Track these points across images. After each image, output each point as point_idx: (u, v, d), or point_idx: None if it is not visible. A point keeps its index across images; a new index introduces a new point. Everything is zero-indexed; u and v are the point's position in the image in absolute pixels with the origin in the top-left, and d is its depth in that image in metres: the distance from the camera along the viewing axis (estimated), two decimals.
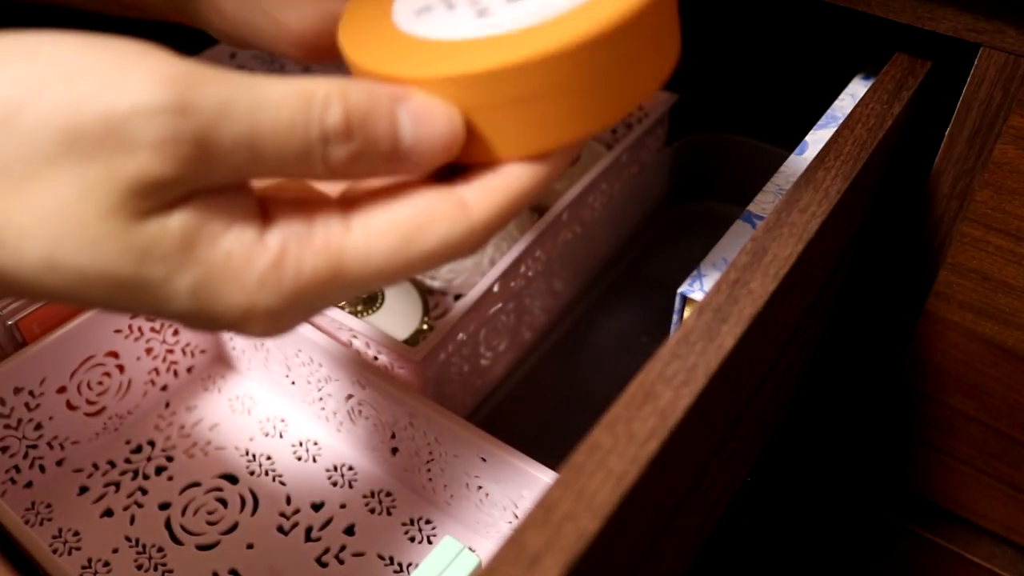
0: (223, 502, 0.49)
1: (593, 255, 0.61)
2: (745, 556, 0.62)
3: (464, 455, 0.44)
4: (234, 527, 0.48)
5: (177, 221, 0.22)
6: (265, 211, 0.24)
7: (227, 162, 0.22)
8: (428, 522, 0.48)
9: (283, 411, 0.54)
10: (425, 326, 0.56)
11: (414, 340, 0.55)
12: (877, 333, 0.53)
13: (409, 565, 0.46)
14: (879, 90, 0.42)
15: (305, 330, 0.47)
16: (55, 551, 0.47)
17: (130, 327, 0.50)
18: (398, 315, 0.56)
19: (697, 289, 0.37)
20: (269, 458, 0.51)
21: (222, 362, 0.57)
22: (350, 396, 0.48)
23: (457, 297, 0.59)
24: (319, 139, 0.23)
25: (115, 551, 0.47)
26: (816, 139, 0.43)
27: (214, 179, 0.22)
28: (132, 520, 0.48)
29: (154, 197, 0.22)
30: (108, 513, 0.49)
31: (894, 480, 0.58)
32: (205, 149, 0.22)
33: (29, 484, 0.49)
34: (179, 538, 0.48)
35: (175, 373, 0.54)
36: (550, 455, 0.42)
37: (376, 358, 0.48)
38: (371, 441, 0.50)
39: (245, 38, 0.33)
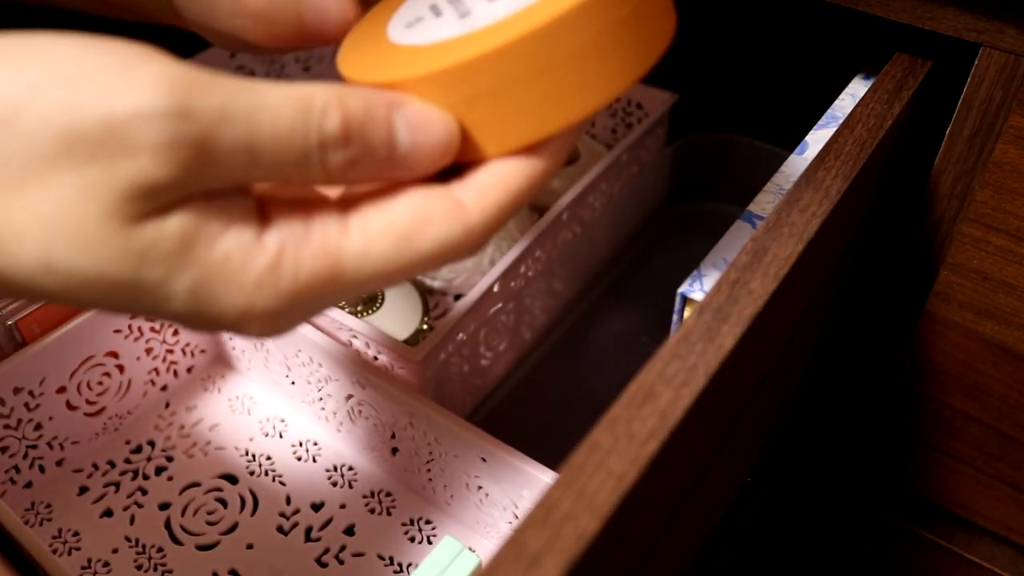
0: (223, 502, 0.49)
1: (593, 255, 0.61)
2: (745, 556, 0.62)
3: (464, 455, 0.44)
4: (234, 527, 0.48)
5: (175, 223, 0.22)
6: (263, 212, 0.24)
7: (226, 166, 0.22)
8: (428, 522, 0.48)
9: (283, 411, 0.54)
10: (425, 326, 0.56)
11: (414, 340, 0.55)
12: (877, 333, 0.53)
13: (409, 565, 0.46)
14: (879, 90, 0.41)
15: (305, 330, 0.47)
16: (55, 551, 0.47)
17: (130, 327, 0.50)
18: (398, 315, 0.56)
19: (697, 289, 0.37)
20: (269, 458, 0.51)
21: (222, 362, 0.57)
22: (350, 396, 0.48)
23: (457, 297, 0.59)
24: (317, 145, 0.23)
25: (115, 551, 0.47)
26: (816, 139, 0.43)
27: (213, 183, 0.23)
28: (132, 520, 0.48)
29: (153, 200, 0.22)
30: (108, 513, 0.49)
31: (894, 480, 0.58)
32: (205, 153, 0.22)
33: (29, 484, 0.49)
34: (179, 538, 0.48)
35: (175, 373, 0.54)
36: (550, 455, 0.42)
37: (376, 358, 0.48)
38: (371, 441, 0.50)
39: (207, 23, 0.33)
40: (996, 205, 0.43)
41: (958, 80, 0.42)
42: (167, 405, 0.54)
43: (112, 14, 0.36)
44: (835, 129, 0.40)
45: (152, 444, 0.52)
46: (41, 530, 0.48)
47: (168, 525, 0.48)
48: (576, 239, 0.57)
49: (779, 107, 0.63)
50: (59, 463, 0.50)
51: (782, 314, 0.36)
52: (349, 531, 0.48)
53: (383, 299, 0.57)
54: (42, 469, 0.49)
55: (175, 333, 0.53)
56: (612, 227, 0.61)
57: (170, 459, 0.51)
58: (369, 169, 0.25)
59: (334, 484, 0.50)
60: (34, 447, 0.48)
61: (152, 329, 0.51)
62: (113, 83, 0.21)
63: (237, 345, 0.54)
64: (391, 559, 0.47)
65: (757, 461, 0.58)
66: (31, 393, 0.47)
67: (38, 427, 0.48)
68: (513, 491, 0.43)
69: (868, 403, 0.56)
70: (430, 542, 0.48)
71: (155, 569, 0.46)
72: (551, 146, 0.26)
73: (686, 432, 0.28)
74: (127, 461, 0.51)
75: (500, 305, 0.51)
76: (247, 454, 0.52)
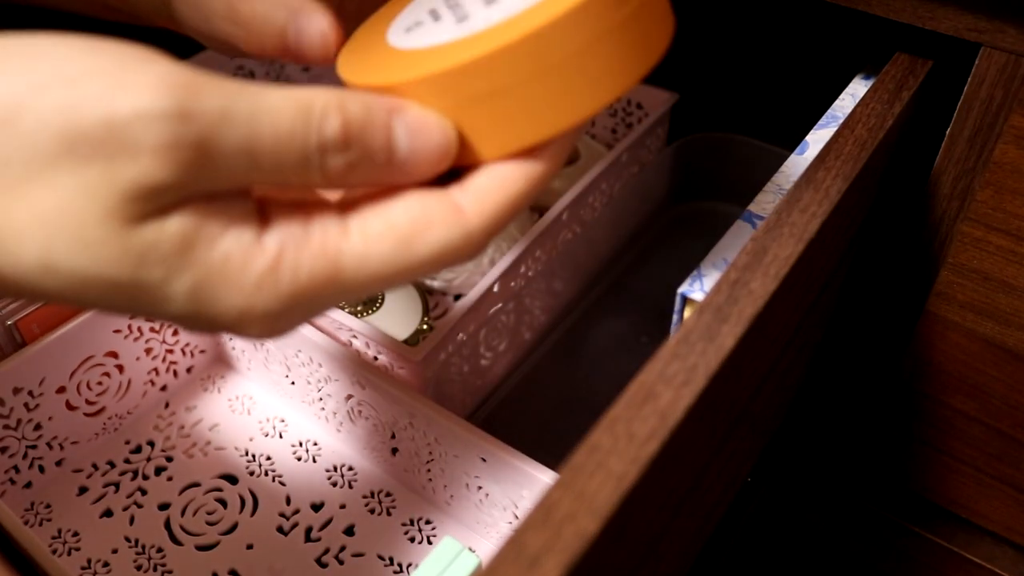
0: (223, 502, 0.49)
1: (593, 255, 0.61)
2: (745, 556, 0.62)
3: (464, 455, 0.44)
4: (234, 527, 0.48)
5: (175, 224, 0.22)
6: (263, 214, 0.24)
7: (226, 168, 0.22)
8: (428, 522, 0.48)
9: (283, 411, 0.54)
10: (425, 326, 0.56)
11: (414, 340, 0.55)
12: (877, 333, 0.53)
13: (409, 565, 0.46)
14: (880, 90, 0.41)
15: (305, 330, 0.47)
16: (54, 552, 0.47)
17: (129, 327, 0.50)
18: (398, 315, 0.56)
19: (697, 289, 0.37)
20: (269, 458, 0.51)
21: (222, 362, 0.57)
22: (350, 396, 0.48)
23: (457, 297, 0.59)
24: (317, 148, 0.23)
25: (115, 551, 0.47)
26: (816, 139, 0.43)
27: (213, 185, 0.23)
28: (132, 520, 0.48)
29: (153, 201, 0.22)
30: (108, 513, 0.49)
31: (894, 480, 0.58)
32: (205, 155, 0.22)
33: (28, 484, 0.49)
34: (179, 538, 0.47)
35: (175, 373, 0.54)
36: (550, 455, 0.41)
37: (376, 358, 0.48)
38: (371, 441, 0.50)
39: (203, 27, 0.33)
40: (996, 205, 0.43)
41: (958, 80, 0.42)
42: (167, 405, 0.54)
43: (109, 16, 0.36)
44: (835, 129, 0.40)
45: (152, 444, 0.52)
46: (41, 530, 0.48)
47: (168, 525, 0.48)
48: (576, 239, 0.57)
49: (779, 107, 0.63)
50: (59, 463, 0.50)
51: (782, 314, 0.36)
52: (349, 531, 0.48)
53: (383, 299, 0.57)
54: (42, 469, 0.49)
55: (175, 333, 0.53)
56: (612, 227, 0.61)
57: (170, 459, 0.51)
58: (368, 173, 0.25)
59: (334, 484, 0.50)
60: (34, 447, 0.48)
61: (152, 329, 0.51)
62: (114, 84, 0.21)
63: (237, 345, 0.54)
64: (391, 559, 0.47)
65: (757, 461, 0.58)
66: (31, 393, 0.47)
67: (38, 427, 0.48)
68: (513, 491, 0.43)
69: (868, 403, 0.56)
70: (430, 542, 0.48)
71: (155, 569, 0.46)
72: (549, 149, 0.26)
73: (686, 432, 0.28)
74: (127, 461, 0.51)
75: (500, 305, 0.51)
76: (247, 454, 0.52)
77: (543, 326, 0.58)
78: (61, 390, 0.48)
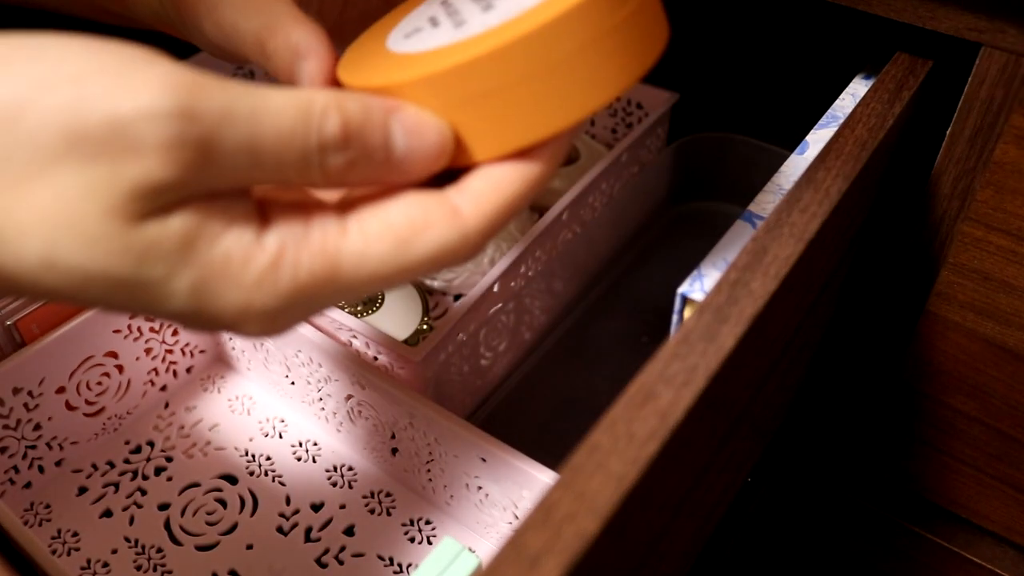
0: (222, 502, 0.49)
1: (593, 255, 0.61)
2: (746, 556, 0.62)
3: (464, 455, 0.44)
4: (234, 527, 0.48)
5: (177, 222, 0.22)
6: (263, 214, 0.25)
7: (228, 167, 0.23)
8: (428, 522, 0.48)
9: (283, 411, 0.54)
10: (425, 326, 0.56)
11: (414, 340, 0.55)
12: (878, 333, 0.53)
13: (409, 566, 0.46)
14: (880, 90, 0.41)
15: (305, 330, 0.47)
16: (54, 552, 0.47)
17: (129, 327, 0.50)
18: (398, 315, 0.56)
19: (697, 289, 0.37)
20: (269, 458, 0.51)
21: (222, 362, 0.57)
22: (350, 396, 0.48)
23: (457, 297, 0.59)
24: (317, 147, 0.24)
25: (114, 552, 0.47)
26: (817, 139, 0.43)
27: (215, 183, 0.23)
28: (131, 521, 0.48)
29: (156, 199, 0.22)
30: (107, 514, 0.49)
31: (894, 480, 0.58)
32: (208, 153, 0.22)
33: (28, 485, 0.49)
34: (178, 539, 0.47)
35: (174, 373, 0.54)
36: (550, 455, 0.41)
37: (376, 358, 0.48)
38: (371, 441, 0.50)
39: (195, 34, 0.33)
40: (997, 205, 0.43)
41: (959, 80, 0.42)
42: (167, 405, 0.54)
43: (106, 20, 0.36)
44: (836, 129, 0.40)
45: (152, 444, 0.52)
46: (40, 530, 0.48)
47: (168, 525, 0.48)
48: (576, 239, 0.57)
49: (779, 107, 0.63)
50: (58, 463, 0.50)
51: (782, 314, 0.35)
52: (349, 531, 0.48)
53: (383, 299, 0.57)
54: (41, 469, 0.49)
55: (175, 333, 0.53)
56: (612, 227, 0.61)
57: (170, 459, 0.51)
58: (367, 171, 0.25)
59: (334, 484, 0.50)
60: (33, 447, 0.48)
61: (152, 329, 0.51)
62: (117, 83, 0.21)
63: (237, 345, 0.54)
64: (391, 559, 0.47)
65: (758, 461, 0.58)
66: (30, 393, 0.47)
67: (37, 427, 0.48)
68: (513, 491, 0.43)
69: (868, 403, 0.56)
70: (430, 542, 0.47)
71: (155, 569, 0.46)
72: (545, 151, 0.27)
73: (686, 433, 0.28)
74: (126, 461, 0.51)
75: (500, 305, 0.51)
76: (247, 454, 0.52)
77: (543, 326, 0.58)
78: (61, 390, 0.48)
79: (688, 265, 0.39)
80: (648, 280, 0.63)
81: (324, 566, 0.46)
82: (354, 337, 0.48)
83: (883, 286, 0.51)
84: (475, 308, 0.48)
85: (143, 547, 0.47)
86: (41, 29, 0.23)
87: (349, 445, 0.52)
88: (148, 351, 0.52)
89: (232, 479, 0.50)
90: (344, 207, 0.26)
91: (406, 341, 0.54)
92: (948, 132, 0.43)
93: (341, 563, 0.46)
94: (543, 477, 0.41)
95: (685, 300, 0.37)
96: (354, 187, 0.26)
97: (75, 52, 0.22)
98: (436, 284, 0.59)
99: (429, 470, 0.47)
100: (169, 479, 0.50)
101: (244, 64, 0.33)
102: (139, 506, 0.49)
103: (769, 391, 0.42)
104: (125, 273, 0.22)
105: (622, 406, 0.27)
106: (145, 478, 0.50)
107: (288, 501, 0.49)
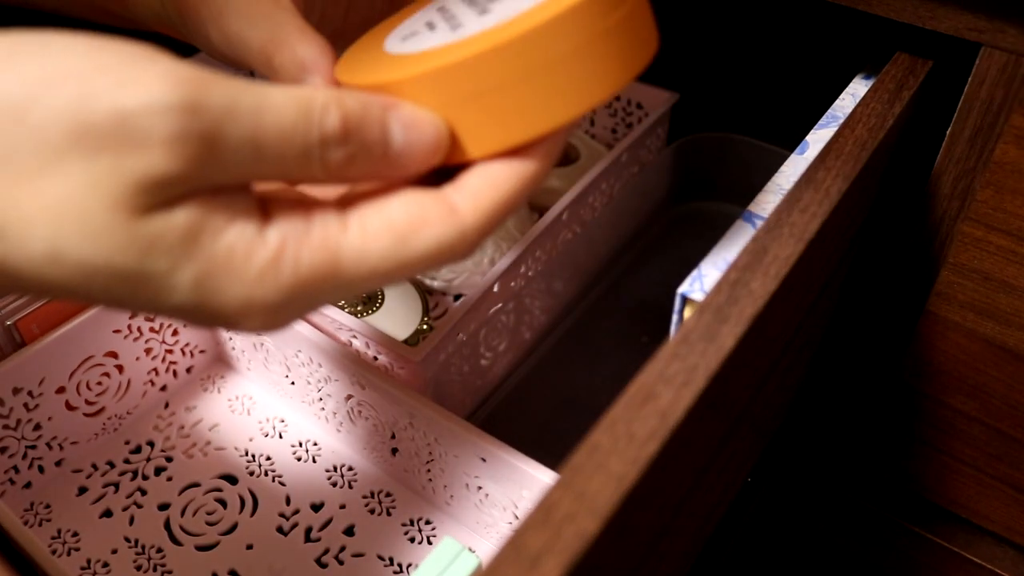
0: (222, 502, 0.49)
1: (593, 255, 0.61)
2: (746, 556, 0.62)
3: (464, 455, 0.44)
4: (233, 527, 0.48)
5: (181, 216, 0.23)
6: (264, 210, 0.25)
7: (232, 161, 0.23)
8: (428, 522, 0.48)
9: (283, 411, 0.54)
10: (425, 326, 0.56)
11: (414, 340, 0.55)
12: (878, 333, 0.53)
13: (409, 566, 0.46)
14: (880, 90, 0.41)
15: (305, 330, 0.47)
16: (54, 552, 0.47)
17: (129, 327, 0.50)
18: (398, 315, 0.56)
19: (697, 289, 0.37)
20: (269, 458, 0.51)
21: (222, 362, 0.57)
22: (350, 396, 0.48)
23: (457, 297, 0.59)
24: (318, 142, 0.24)
25: (114, 552, 0.47)
26: (817, 139, 0.43)
27: (218, 178, 0.23)
28: (131, 521, 0.48)
29: (160, 193, 0.22)
30: (107, 514, 0.49)
31: (894, 480, 0.58)
32: (212, 148, 0.22)
33: (28, 485, 0.49)
34: (178, 539, 0.47)
35: (174, 373, 0.54)
36: (550, 455, 0.41)
37: (376, 358, 0.48)
38: (371, 441, 0.50)
39: (198, 39, 0.33)
40: (997, 205, 0.43)
41: (959, 80, 0.42)
42: (167, 405, 0.54)
43: (108, 21, 0.37)
44: (836, 129, 0.40)
45: (152, 444, 0.52)
46: (40, 530, 0.48)
47: (168, 525, 0.48)
48: (576, 239, 0.57)
49: (779, 107, 0.63)
50: (58, 463, 0.50)
51: (782, 314, 0.35)
52: (349, 531, 0.48)
53: (383, 299, 0.57)
54: (41, 469, 0.49)
55: (175, 333, 0.53)
56: (612, 227, 0.61)
57: (170, 459, 0.51)
58: (366, 166, 0.26)
59: (334, 484, 0.50)
60: (33, 447, 0.48)
61: (152, 329, 0.51)
62: (123, 78, 0.22)
63: (237, 345, 0.54)
64: (391, 559, 0.47)
65: (758, 461, 0.58)
66: (30, 393, 0.46)
67: (37, 427, 0.48)
68: (513, 491, 0.43)
69: (868, 403, 0.56)
70: (430, 542, 0.47)
71: (155, 569, 0.46)
72: (540, 149, 0.27)
73: (686, 433, 0.28)
74: (126, 461, 0.51)
75: (500, 305, 0.51)
76: (247, 454, 0.52)
77: (543, 326, 0.58)
78: (61, 390, 0.48)
79: (688, 265, 0.39)
80: (648, 280, 0.63)
81: (324, 566, 0.46)
82: (354, 337, 0.48)
83: (883, 286, 0.51)
84: (475, 308, 0.48)
85: (143, 547, 0.47)
86: (42, 29, 0.23)
87: (349, 445, 0.52)
88: (148, 351, 0.52)
89: (232, 479, 0.50)
90: (344, 204, 0.26)
91: (406, 341, 0.54)
92: (948, 132, 0.43)
93: (341, 563, 0.46)
94: (543, 477, 0.41)
95: (685, 300, 0.37)
96: (354, 182, 0.27)
97: (79, 49, 0.22)
98: (436, 284, 0.59)
99: (429, 470, 0.47)
100: (169, 479, 0.50)
101: (242, 69, 0.33)
102: (139, 506, 0.49)
103: (769, 391, 0.42)
104: (129, 266, 0.23)
105: (622, 406, 0.27)
106: (145, 478, 0.50)
107: (288, 501, 0.49)
